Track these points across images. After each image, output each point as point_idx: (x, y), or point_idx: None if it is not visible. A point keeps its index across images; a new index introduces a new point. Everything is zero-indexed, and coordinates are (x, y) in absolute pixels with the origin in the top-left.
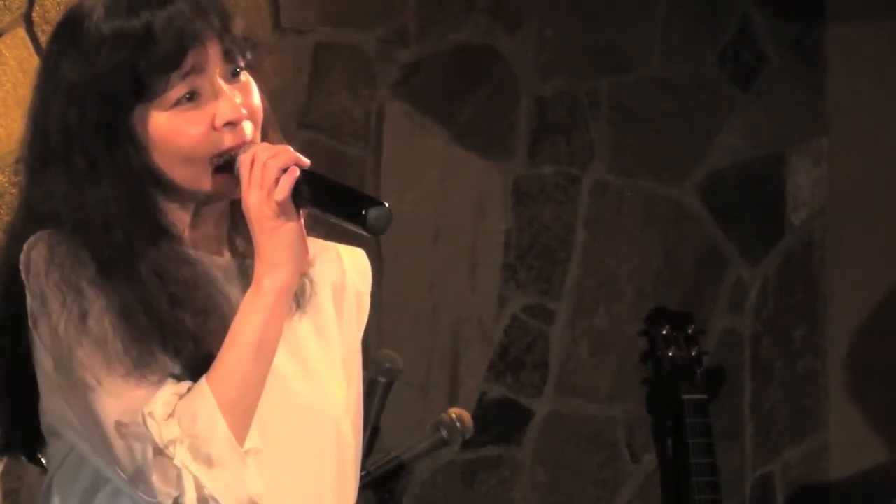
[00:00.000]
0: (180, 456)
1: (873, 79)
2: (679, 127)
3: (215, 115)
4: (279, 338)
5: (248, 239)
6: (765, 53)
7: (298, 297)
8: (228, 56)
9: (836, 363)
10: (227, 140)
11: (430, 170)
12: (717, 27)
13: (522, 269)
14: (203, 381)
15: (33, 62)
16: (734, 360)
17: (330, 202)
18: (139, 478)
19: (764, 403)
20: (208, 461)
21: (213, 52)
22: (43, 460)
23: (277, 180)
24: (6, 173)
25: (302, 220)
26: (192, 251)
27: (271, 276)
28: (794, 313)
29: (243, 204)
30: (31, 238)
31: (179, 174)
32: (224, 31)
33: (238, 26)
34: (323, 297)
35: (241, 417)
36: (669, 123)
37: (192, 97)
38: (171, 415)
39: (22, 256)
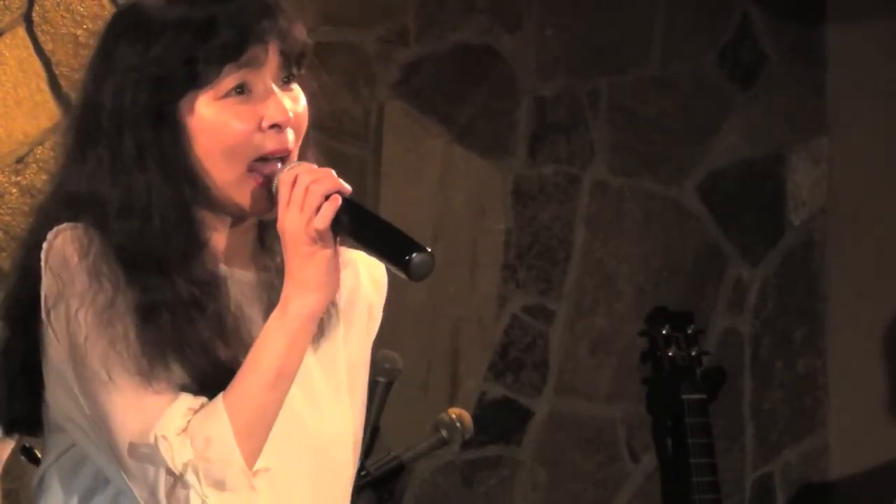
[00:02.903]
0: (192, 480)
1: (873, 79)
2: (679, 127)
3: (263, 116)
4: (300, 364)
5: (274, 255)
6: (765, 53)
7: (324, 324)
8: (285, 61)
9: (836, 363)
10: (270, 143)
11: (430, 170)
12: (716, 27)
13: (522, 269)
14: (219, 401)
15: (33, 62)
16: (734, 360)
17: (372, 239)
18: (150, 496)
19: (764, 403)
20: (220, 486)
21: (273, 52)
22: (38, 454)
23: (319, 207)
24: (6, 173)
25: (336, 248)
26: (221, 265)
27: (299, 300)
28: (794, 313)
29: (278, 224)
30: (57, 227)
31: (218, 173)
32: (286, 36)
33: (301, 34)
34: (332, 313)
35: (254, 442)
36: (669, 123)
37: (242, 91)
38: (183, 430)
39: (45, 244)
